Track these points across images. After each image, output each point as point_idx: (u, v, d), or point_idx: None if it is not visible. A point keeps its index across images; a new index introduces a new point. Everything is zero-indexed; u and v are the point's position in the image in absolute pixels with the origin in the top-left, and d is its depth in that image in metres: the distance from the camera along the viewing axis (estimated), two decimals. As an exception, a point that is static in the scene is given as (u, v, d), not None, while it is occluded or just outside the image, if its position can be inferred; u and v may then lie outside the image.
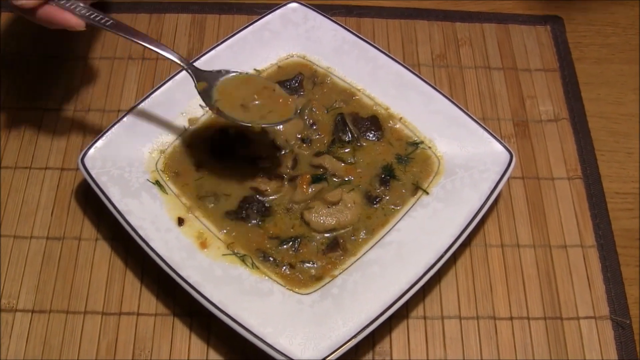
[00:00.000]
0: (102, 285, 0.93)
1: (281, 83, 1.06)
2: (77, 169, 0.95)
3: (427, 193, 0.98)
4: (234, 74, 0.97)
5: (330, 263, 0.93)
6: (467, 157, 0.99)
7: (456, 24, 1.20)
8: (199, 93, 0.95)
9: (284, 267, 0.92)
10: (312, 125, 1.04)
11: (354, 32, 1.09)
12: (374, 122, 1.04)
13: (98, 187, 0.92)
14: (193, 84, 0.95)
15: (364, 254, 0.93)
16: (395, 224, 0.95)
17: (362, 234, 0.95)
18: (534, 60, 1.16)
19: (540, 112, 1.10)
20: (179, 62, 0.95)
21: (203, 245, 0.92)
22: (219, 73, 0.96)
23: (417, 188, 0.99)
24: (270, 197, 0.98)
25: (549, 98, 1.12)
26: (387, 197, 0.98)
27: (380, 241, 0.94)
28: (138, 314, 0.92)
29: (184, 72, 0.98)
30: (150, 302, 0.92)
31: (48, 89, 1.10)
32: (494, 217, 1.00)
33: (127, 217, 0.90)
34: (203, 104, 0.99)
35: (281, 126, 1.02)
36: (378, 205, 0.98)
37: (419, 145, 1.02)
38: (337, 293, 0.89)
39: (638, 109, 1.12)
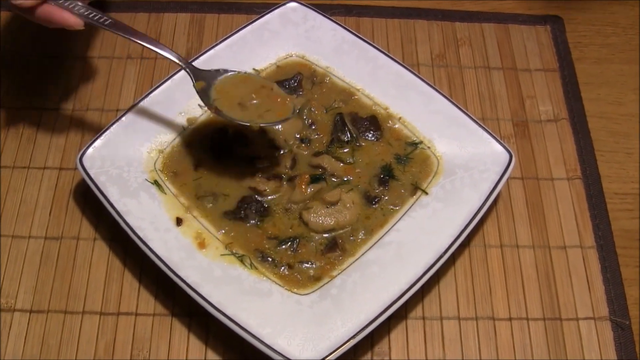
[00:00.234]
0: (101, 285, 0.93)
1: (280, 83, 1.06)
2: (76, 168, 0.95)
3: (427, 193, 0.98)
4: (232, 73, 0.97)
5: (329, 263, 0.92)
6: (466, 157, 0.99)
7: (456, 24, 1.19)
8: (197, 92, 0.95)
9: (283, 268, 0.92)
10: (311, 125, 1.04)
11: (354, 31, 1.09)
12: (373, 122, 1.04)
13: (96, 186, 0.92)
14: (192, 84, 0.95)
15: (363, 254, 0.93)
16: (394, 224, 0.95)
17: (361, 234, 0.95)
18: (534, 60, 1.16)
19: (540, 112, 1.10)
20: (177, 61, 0.95)
21: (201, 245, 0.92)
22: (217, 72, 0.96)
23: (416, 188, 0.98)
24: (269, 197, 0.98)
25: (549, 98, 1.12)
26: (386, 197, 0.98)
27: (379, 241, 0.94)
28: (136, 314, 0.91)
29: (182, 71, 0.98)
30: (148, 302, 0.92)
31: (47, 89, 1.10)
32: (493, 217, 1.00)
33: (126, 217, 0.90)
34: (202, 103, 0.99)
35: (280, 126, 1.02)
36: (377, 205, 0.97)
37: (418, 145, 1.02)
38: (336, 293, 0.89)
39: (638, 109, 1.12)
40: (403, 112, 1.05)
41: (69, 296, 0.92)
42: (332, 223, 0.95)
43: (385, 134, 1.04)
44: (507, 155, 0.96)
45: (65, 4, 0.90)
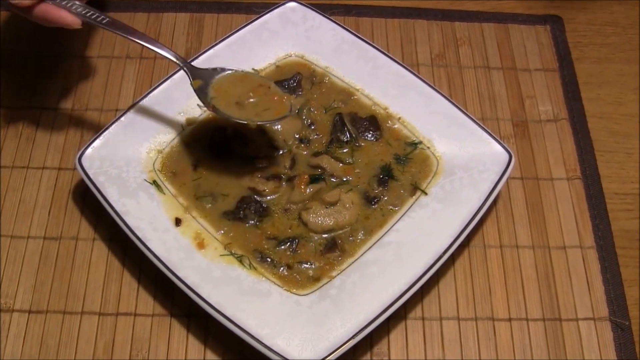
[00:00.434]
0: (100, 285, 0.93)
1: (279, 83, 1.06)
2: (75, 168, 0.95)
3: (426, 193, 0.97)
4: (229, 71, 0.97)
5: (328, 264, 0.92)
6: (466, 158, 0.99)
7: (455, 24, 1.19)
8: (195, 91, 0.95)
9: (282, 268, 0.92)
10: (310, 125, 1.04)
11: (353, 31, 1.08)
12: (372, 122, 1.04)
13: (95, 187, 0.92)
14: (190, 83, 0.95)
15: (362, 254, 0.93)
16: (394, 225, 0.95)
17: (361, 235, 0.95)
18: (534, 60, 1.15)
19: (539, 112, 1.10)
20: (174, 59, 0.95)
21: (200, 245, 0.92)
22: (215, 71, 0.97)
23: (415, 188, 0.98)
24: (268, 198, 0.98)
25: (549, 98, 1.11)
26: (386, 198, 0.98)
27: (379, 242, 0.94)
28: (135, 315, 0.91)
29: (182, 71, 0.98)
30: (147, 302, 0.92)
31: (46, 88, 1.09)
32: (493, 217, 1.00)
33: (125, 218, 0.90)
34: (201, 103, 0.99)
35: (279, 126, 1.02)
36: (376, 205, 0.97)
37: (418, 145, 1.02)
38: (335, 294, 0.89)
39: (638, 109, 1.12)
40: (402, 112, 1.05)
41: (68, 296, 0.92)
42: (331, 223, 0.95)
43: (385, 134, 1.03)
44: (506, 156, 0.96)
45: (63, 3, 0.90)
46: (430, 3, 1.21)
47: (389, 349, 0.90)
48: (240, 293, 0.88)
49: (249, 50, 1.08)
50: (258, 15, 1.09)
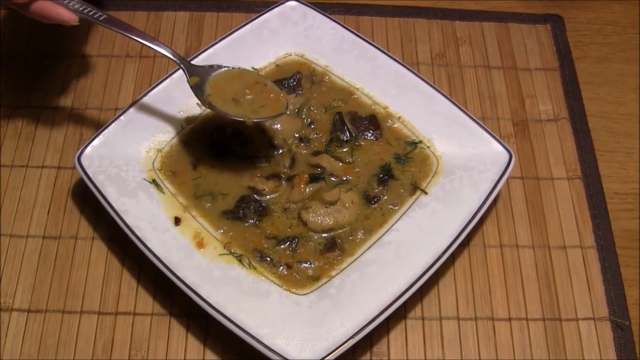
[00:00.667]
0: (99, 284, 0.93)
1: (279, 82, 1.05)
2: (74, 167, 0.95)
3: (426, 193, 0.97)
4: (225, 68, 0.97)
5: (328, 263, 0.92)
6: (466, 157, 0.99)
7: (455, 23, 1.19)
8: (191, 87, 0.95)
9: (281, 267, 0.92)
10: (310, 124, 1.04)
11: (353, 30, 1.08)
12: (372, 122, 1.03)
13: (95, 186, 0.92)
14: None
15: (362, 254, 0.93)
16: (394, 224, 0.95)
17: (360, 234, 0.95)
18: (534, 60, 1.15)
19: (540, 111, 1.10)
20: (171, 56, 0.95)
21: (200, 245, 0.92)
22: (211, 68, 0.97)
23: (415, 188, 0.98)
24: (268, 197, 0.97)
25: (549, 97, 1.11)
26: (386, 197, 0.98)
27: (379, 241, 0.94)
28: (134, 314, 0.91)
29: (181, 70, 0.98)
30: (147, 302, 0.92)
31: (45, 87, 1.09)
32: (493, 217, 1.00)
33: (124, 217, 0.90)
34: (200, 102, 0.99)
35: (279, 125, 1.02)
36: (376, 205, 0.97)
37: (418, 144, 1.02)
38: (335, 293, 0.89)
39: (638, 109, 1.12)
40: (402, 112, 1.04)
41: (67, 296, 0.92)
42: (331, 223, 0.95)
43: (385, 133, 1.03)
44: (506, 155, 0.96)
45: (60, 0, 0.90)
46: (430, 2, 1.21)
47: (388, 348, 0.90)
48: (240, 293, 0.88)
49: (249, 49, 1.08)
50: (258, 14, 1.09)
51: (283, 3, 1.09)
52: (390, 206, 0.97)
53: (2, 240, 0.96)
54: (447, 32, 1.18)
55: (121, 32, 0.92)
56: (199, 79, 0.96)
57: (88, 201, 0.98)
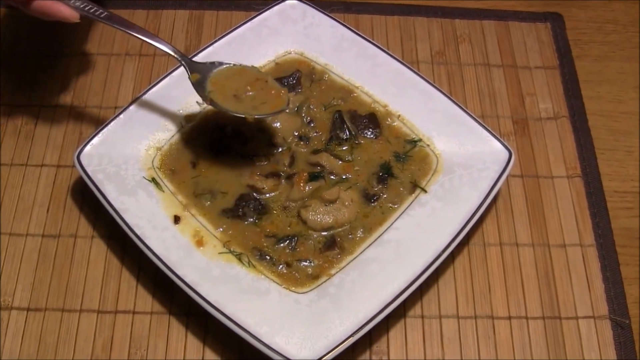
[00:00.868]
0: (98, 283, 0.93)
1: (279, 80, 1.05)
2: (73, 166, 0.95)
3: (426, 191, 0.97)
4: (226, 65, 0.97)
5: (328, 262, 0.92)
6: (465, 155, 0.98)
7: (455, 21, 1.19)
8: (193, 84, 0.95)
9: (281, 266, 0.92)
10: (309, 122, 1.04)
11: (353, 29, 1.08)
12: (372, 120, 1.03)
13: (94, 184, 0.92)
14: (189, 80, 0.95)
15: (362, 252, 0.93)
16: (393, 223, 0.95)
17: (360, 233, 0.95)
18: (534, 58, 1.15)
19: (539, 110, 1.10)
20: (172, 53, 0.95)
21: (199, 243, 0.92)
22: (213, 65, 0.97)
23: (415, 186, 0.98)
24: (267, 195, 0.97)
25: (549, 96, 1.11)
26: (385, 196, 0.98)
27: (378, 240, 0.93)
28: (134, 313, 0.91)
29: (181, 68, 0.98)
30: (146, 300, 0.92)
31: (45, 85, 1.09)
32: (493, 215, 1.00)
33: (124, 215, 0.90)
34: (200, 100, 0.99)
35: (278, 123, 1.02)
36: (376, 203, 0.97)
37: (418, 143, 1.02)
38: (334, 292, 0.89)
39: (638, 107, 1.12)
40: (402, 110, 1.04)
41: (67, 294, 0.92)
42: (330, 221, 0.94)
43: (384, 131, 1.03)
44: (506, 153, 0.96)
45: None
46: (430, 0, 1.21)
47: (388, 347, 0.90)
48: (239, 291, 0.88)
49: (249, 47, 1.08)
50: (257, 13, 1.09)
51: (283, 1, 1.09)
52: (390, 204, 0.97)
53: (2, 238, 0.96)
54: (447, 30, 1.18)
55: (122, 29, 0.92)
56: (200, 75, 0.96)
57: (87, 199, 0.98)
